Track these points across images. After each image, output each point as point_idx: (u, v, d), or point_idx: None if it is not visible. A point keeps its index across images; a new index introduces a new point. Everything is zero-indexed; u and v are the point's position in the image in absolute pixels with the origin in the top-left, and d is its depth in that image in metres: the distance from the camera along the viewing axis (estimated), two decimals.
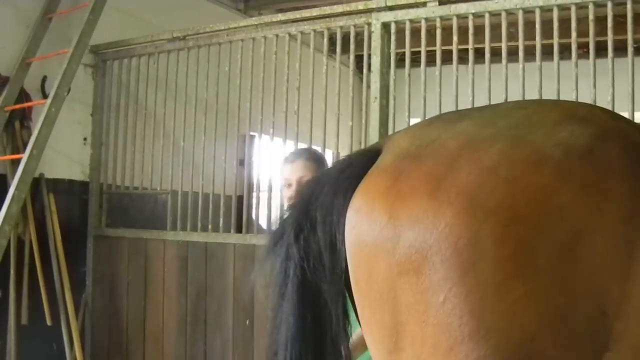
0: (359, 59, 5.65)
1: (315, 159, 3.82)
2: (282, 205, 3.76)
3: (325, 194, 1.85)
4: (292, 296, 1.88)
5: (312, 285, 1.86)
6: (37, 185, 5.57)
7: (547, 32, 4.15)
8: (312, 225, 1.86)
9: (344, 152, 5.25)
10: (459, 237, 1.48)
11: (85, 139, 6.18)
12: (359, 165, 1.83)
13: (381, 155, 1.79)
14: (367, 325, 1.71)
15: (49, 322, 5.46)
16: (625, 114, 2.18)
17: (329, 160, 4.28)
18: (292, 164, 3.74)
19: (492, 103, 3.14)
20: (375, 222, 1.61)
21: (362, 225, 1.66)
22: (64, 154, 5.95)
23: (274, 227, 2.12)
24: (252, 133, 5.57)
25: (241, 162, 5.81)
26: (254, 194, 5.63)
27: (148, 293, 5.65)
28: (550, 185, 1.51)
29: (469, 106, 3.86)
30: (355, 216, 1.70)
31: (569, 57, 4.07)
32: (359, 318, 1.75)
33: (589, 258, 1.50)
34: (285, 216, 2.07)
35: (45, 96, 5.44)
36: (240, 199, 5.54)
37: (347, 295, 1.85)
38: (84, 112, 6.17)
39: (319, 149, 4.52)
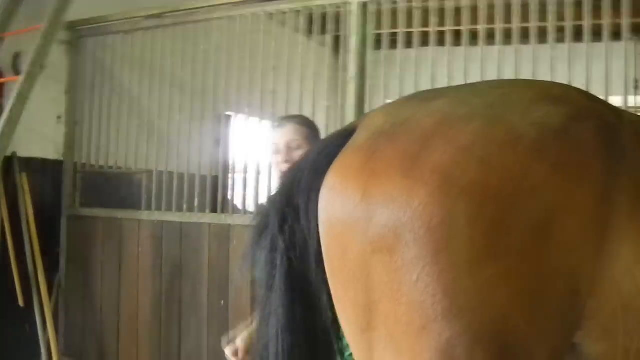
0: (336, 39, 5.60)
1: (306, 123, 3.59)
2: (270, 174, 3.58)
3: (305, 179, 1.84)
4: (280, 287, 1.86)
5: (300, 275, 1.84)
6: (9, 164, 5.49)
7: (524, 15, 4.16)
8: (296, 213, 1.84)
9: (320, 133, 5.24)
10: (433, 216, 1.48)
11: (59, 117, 6.09)
12: (335, 145, 1.82)
13: (355, 134, 1.78)
14: (340, 304, 1.71)
15: (21, 304, 5.41)
16: (601, 98, 2.20)
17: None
18: (281, 128, 3.50)
19: None
20: (349, 200, 1.60)
21: (335, 204, 1.65)
22: (38, 132, 5.87)
23: (257, 215, 2.07)
24: (228, 113, 5.54)
25: (217, 142, 5.77)
26: (230, 174, 5.61)
27: (122, 273, 5.62)
28: (524, 164, 1.51)
29: None
30: (328, 194, 1.69)
31: (546, 41, 4.07)
32: (332, 297, 1.74)
33: (561, 237, 1.51)
34: (267, 204, 2.05)
35: (17, 73, 5.35)
36: (215, 179, 5.50)
37: None
38: (58, 89, 6.08)
39: None
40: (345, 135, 1.83)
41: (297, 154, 3.26)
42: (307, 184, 1.82)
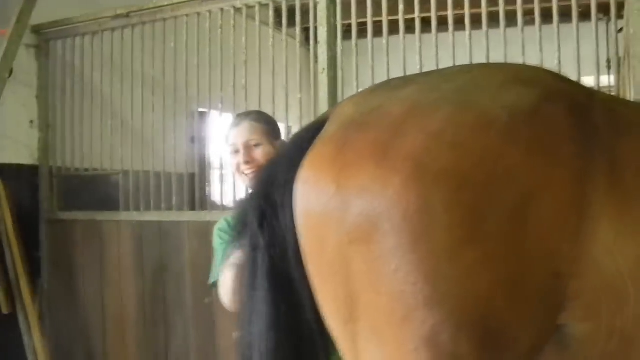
0: (305, 31, 5.58)
1: (263, 119, 3.35)
2: (233, 176, 3.42)
3: (280, 173, 1.82)
4: (263, 285, 1.83)
5: (283, 272, 1.81)
6: None
7: None
8: (274, 210, 1.81)
9: (294, 125, 5.22)
10: (409, 204, 1.47)
11: (31, 121, 6.02)
12: (307, 138, 1.81)
13: (326, 125, 1.77)
14: (321, 297, 1.70)
15: (4, 311, 5.36)
16: (573, 79, 2.20)
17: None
18: (238, 128, 3.25)
19: None
20: (323, 192, 1.60)
21: (310, 196, 1.65)
22: (11, 138, 5.80)
23: (235, 214, 2.04)
24: (201, 109, 5.51)
25: (192, 139, 5.75)
26: (207, 171, 5.59)
27: (105, 275, 5.59)
28: (496, 148, 1.51)
29: None
30: (302, 188, 1.68)
31: (515, 24, 4.08)
32: (313, 291, 1.74)
33: (539, 220, 1.51)
34: (245, 202, 2.03)
35: None
36: (192, 176, 5.48)
37: None
38: (28, 94, 6.00)
39: None
40: (316, 127, 1.82)
41: (258, 153, 3.16)
42: (283, 179, 1.80)
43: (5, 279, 5.38)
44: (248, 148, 3.16)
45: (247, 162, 3.12)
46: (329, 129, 1.74)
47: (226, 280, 2.85)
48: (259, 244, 1.83)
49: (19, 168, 5.88)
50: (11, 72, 5.27)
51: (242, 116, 3.38)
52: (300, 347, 1.86)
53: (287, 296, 1.83)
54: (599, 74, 3.95)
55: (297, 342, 1.86)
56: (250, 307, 1.88)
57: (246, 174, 3.13)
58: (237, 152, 3.19)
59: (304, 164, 1.70)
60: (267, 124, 3.30)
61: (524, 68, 1.92)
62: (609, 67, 7.78)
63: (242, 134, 3.20)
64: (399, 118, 1.58)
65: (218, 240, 3.17)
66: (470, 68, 1.87)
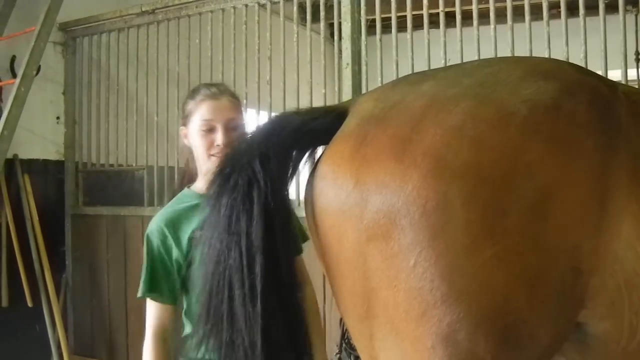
0: (330, 26, 5.57)
1: (238, 97, 2.84)
2: (201, 157, 2.69)
3: (284, 137, 1.79)
4: (255, 216, 1.76)
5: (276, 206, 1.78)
6: (11, 167, 5.50)
7: None
8: (270, 155, 1.77)
9: None
10: (427, 200, 1.46)
11: (58, 117, 6.08)
12: (324, 123, 1.80)
13: (346, 120, 1.75)
14: (338, 294, 1.69)
15: (29, 304, 5.40)
16: (599, 72, 2.16)
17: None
18: (216, 102, 2.68)
19: None
20: (342, 188, 1.59)
21: (328, 192, 1.64)
22: (38, 134, 5.87)
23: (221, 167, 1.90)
24: None
25: None
26: None
27: (128, 270, 5.61)
28: (516, 143, 1.49)
29: None
30: (320, 183, 1.67)
31: (541, 17, 4.04)
32: (331, 286, 1.73)
33: (559, 215, 1.49)
34: (230, 157, 1.89)
35: (14, 76, 5.35)
36: None
37: None
38: (55, 90, 6.07)
39: None
40: (334, 115, 1.80)
41: (234, 136, 2.61)
42: (286, 144, 1.79)
43: (30, 272, 5.43)
44: (228, 129, 2.65)
45: (225, 146, 2.59)
46: (348, 124, 1.72)
47: (146, 351, 2.69)
48: (258, 179, 1.76)
49: (45, 163, 5.94)
50: (39, 69, 5.31)
51: (214, 88, 2.79)
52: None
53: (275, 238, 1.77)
54: (626, 67, 3.89)
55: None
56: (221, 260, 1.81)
57: (216, 158, 2.58)
58: (211, 130, 2.65)
59: (322, 160, 1.70)
60: (240, 103, 2.86)
61: (544, 61, 1.90)
62: (637, 60, 7.67)
63: (223, 110, 2.68)
64: (418, 113, 1.56)
65: (147, 245, 2.72)
66: (490, 62, 1.84)
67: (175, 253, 2.62)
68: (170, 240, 2.63)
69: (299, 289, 1.94)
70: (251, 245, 1.74)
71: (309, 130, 1.79)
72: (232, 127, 2.67)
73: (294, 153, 1.79)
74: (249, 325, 1.76)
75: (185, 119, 2.77)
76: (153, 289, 2.68)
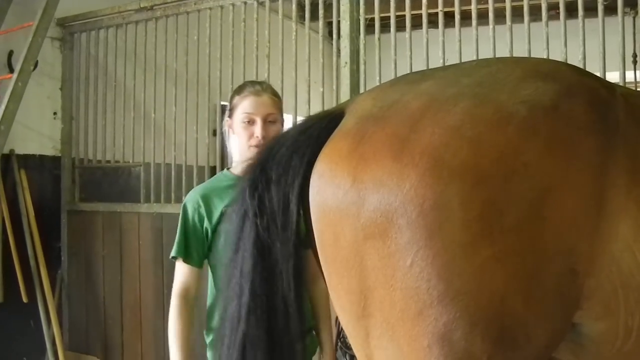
0: (328, 25, 5.56)
1: (278, 95, 3.20)
2: (242, 146, 3.05)
3: (282, 154, 1.83)
4: (246, 250, 1.87)
5: (265, 242, 1.84)
6: (7, 162, 5.49)
7: None
8: (267, 184, 1.84)
9: None
10: (425, 199, 1.46)
11: (55, 113, 6.08)
12: (319, 127, 1.81)
13: (344, 118, 1.75)
14: (334, 292, 1.69)
15: (25, 300, 5.40)
16: (597, 74, 2.16)
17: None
18: (258, 98, 3.04)
19: None
20: (339, 186, 1.59)
21: (325, 190, 1.64)
22: (35, 130, 5.86)
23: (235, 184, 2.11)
24: (223, 103, 5.51)
25: (214, 133, 5.75)
26: (228, 164, 5.58)
27: (124, 266, 5.61)
28: (515, 143, 1.49)
29: None
30: (318, 181, 1.67)
31: (540, 18, 4.04)
32: (327, 285, 1.73)
33: (557, 216, 1.49)
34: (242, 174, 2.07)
35: (11, 71, 5.34)
36: (213, 169, 5.47)
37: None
38: (53, 86, 6.07)
39: (290, 116, 4.46)
40: (330, 119, 1.81)
41: (273, 130, 3.00)
42: (285, 160, 1.81)
43: (25, 268, 5.42)
44: (267, 123, 3.01)
45: (263, 137, 2.95)
46: (346, 123, 1.72)
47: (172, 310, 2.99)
48: (249, 212, 1.86)
49: (41, 159, 5.94)
50: (36, 64, 5.30)
51: (257, 85, 3.16)
52: (275, 314, 1.88)
53: (266, 266, 1.85)
54: (624, 69, 3.89)
55: (271, 309, 1.87)
56: (232, 270, 1.93)
57: (255, 149, 2.91)
58: (251, 122, 3.01)
59: (320, 157, 1.70)
60: (280, 101, 3.19)
61: (543, 62, 1.90)
62: (635, 62, 7.67)
63: (263, 106, 3.04)
64: (416, 112, 1.56)
65: (182, 212, 3.07)
66: (489, 62, 1.85)
67: (206, 223, 2.98)
68: (203, 211, 2.99)
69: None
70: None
71: (306, 138, 1.81)
72: (271, 121, 3.03)
73: (292, 164, 1.81)
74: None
75: (230, 111, 3.14)
76: (184, 252, 3.01)
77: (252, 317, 1.86)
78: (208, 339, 3.08)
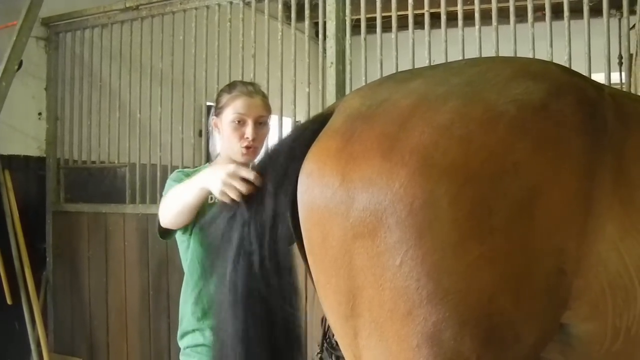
0: (314, 25, 5.56)
1: (267, 99, 3.19)
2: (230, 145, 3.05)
3: (280, 164, 1.84)
4: (241, 263, 1.88)
5: (260, 251, 1.85)
6: None
7: None
8: (262, 196, 1.87)
9: (302, 119, 5.20)
10: (414, 198, 1.45)
11: (40, 113, 6.04)
12: (311, 130, 1.80)
13: (332, 117, 1.75)
14: (322, 292, 1.69)
15: (9, 301, 5.36)
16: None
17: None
18: (250, 99, 3.04)
19: None
20: (328, 185, 1.58)
21: (313, 189, 1.63)
22: (19, 130, 5.82)
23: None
24: (209, 103, 5.50)
25: (199, 133, 5.73)
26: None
27: (109, 268, 5.59)
28: (504, 142, 1.49)
29: None
30: (306, 180, 1.67)
31: (526, 20, 4.06)
32: (315, 285, 1.72)
33: (546, 216, 1.49)
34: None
35: None
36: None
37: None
38: (38, 86, 6.03)
39: (276, 117, 4.45)
40: (320, 121, 1.81)
41: (263, 133, 3.08)
42: (283, 170, 1.82)
43: (9, 270, 5.38)
44: (257, 124, 3.04)
45: (253, 139, 2.99)
46: (334, 122, 1.72)
47: (167, 198, 2.87)
48: (244, 223, 1.88)
49: (26, 159, 5.90)
50: (21, 64, 5.27)
51: (250, 86, 3.16)
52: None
53: (262, 275, 1.87)
54: (609, 71, 3.91)
55: (268, 321, 1.92)
56: (224, 280, 1.93)
57: (246, 149, 2.99)
58: (242, 123, 3.02)
59: (308, 157, 1.69)
60: (269, 103, 3.18)
61: (532, 62, 1.91)
62: (620, 64, 7.70)
63: (256, 108, 3.06)
64: (405, 111, 1.56)
65: (167, 187, 3.04)
66: (477, 62, 1.84)
67: None
68: None
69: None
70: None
71: (300, 144, 1.81)
72: (261, 123, 3.06)
73: (289, 172, 1.81)
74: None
75: (218, 109, 3.12)
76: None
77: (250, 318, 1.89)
78: (183, 344, 3.10)
